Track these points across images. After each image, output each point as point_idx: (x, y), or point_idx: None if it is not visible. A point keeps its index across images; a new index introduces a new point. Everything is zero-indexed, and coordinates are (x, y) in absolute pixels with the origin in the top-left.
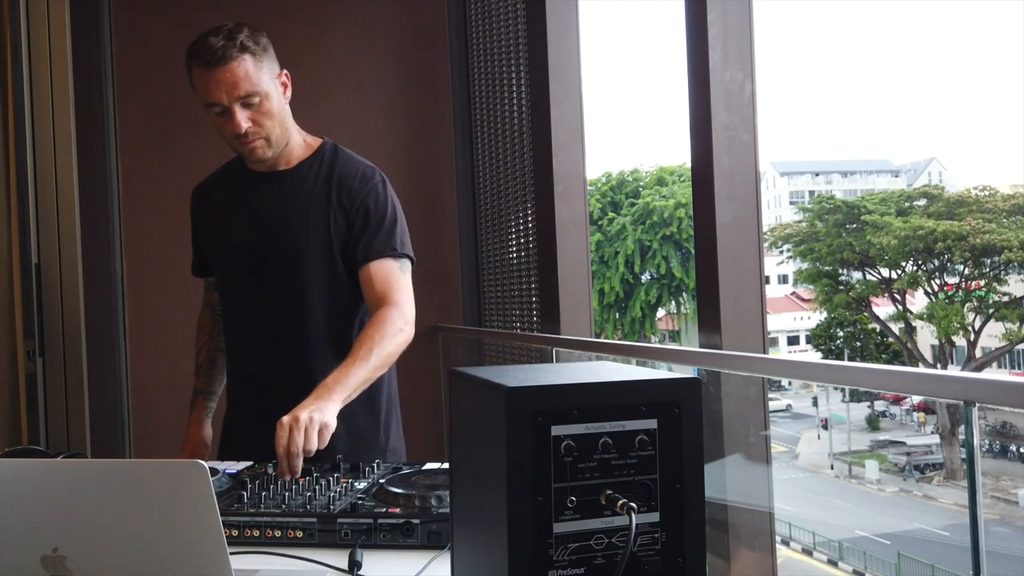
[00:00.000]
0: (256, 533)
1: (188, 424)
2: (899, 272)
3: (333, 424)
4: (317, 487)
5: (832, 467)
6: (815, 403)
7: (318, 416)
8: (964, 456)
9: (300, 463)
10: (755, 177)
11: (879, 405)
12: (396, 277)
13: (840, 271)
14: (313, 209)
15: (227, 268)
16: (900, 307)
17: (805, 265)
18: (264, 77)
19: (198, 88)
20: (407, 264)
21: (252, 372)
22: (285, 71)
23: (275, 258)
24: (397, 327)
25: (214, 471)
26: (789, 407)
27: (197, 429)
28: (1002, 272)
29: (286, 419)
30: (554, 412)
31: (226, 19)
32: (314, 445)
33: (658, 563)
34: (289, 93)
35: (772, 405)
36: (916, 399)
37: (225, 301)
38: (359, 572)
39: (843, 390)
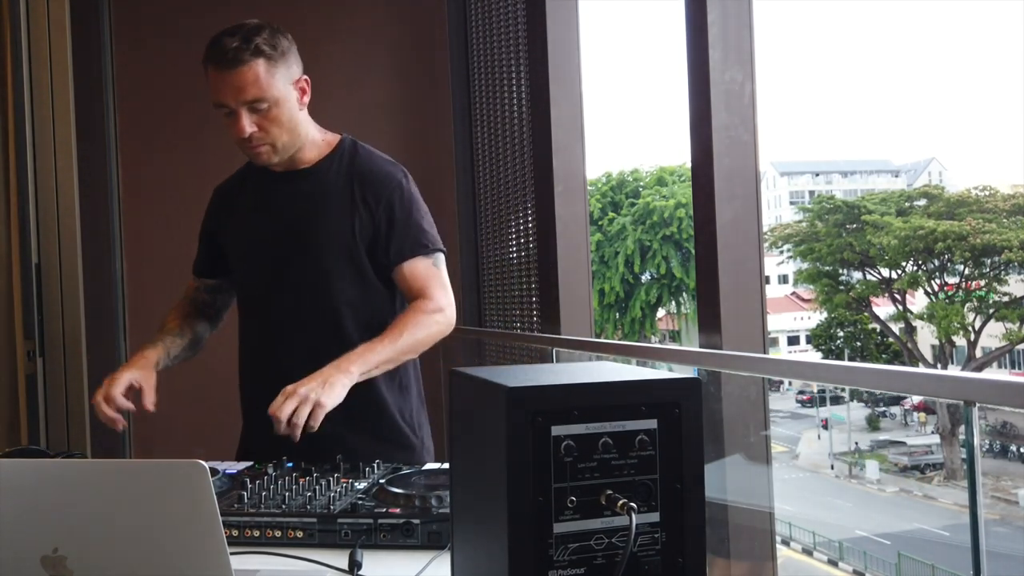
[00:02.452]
0: (256, 533)
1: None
2: (899, 272)
3: (331, 404)
4: (317, 487)
5: (832, 467)
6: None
7: (315, 395)
8: (964, 456)
9: (295, 432)
10: (755, 177)
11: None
12: (432, 273)
13: (840, 271)
14: (335, 207)
15: (249, 268)
16: (900, 307)
17: (805, 265)
18: (276, 83)
19: (210, 87)
20: (440, 257)
21: (276, 376)
22: (305, 76)
23: (298, 257)
24: (433, 318)
25: (214, 471)
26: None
27: (140, 357)
28: (1002, 272)
29: (290, 388)
30: (554, 412)
31: (226, 19)
32: (301, 422)
33: (658, 563)
34: (307, 98)
35: (790, 404)
36: (916, 399)
37: (244, 302)
38: (359, 572)
39: (844, 390)
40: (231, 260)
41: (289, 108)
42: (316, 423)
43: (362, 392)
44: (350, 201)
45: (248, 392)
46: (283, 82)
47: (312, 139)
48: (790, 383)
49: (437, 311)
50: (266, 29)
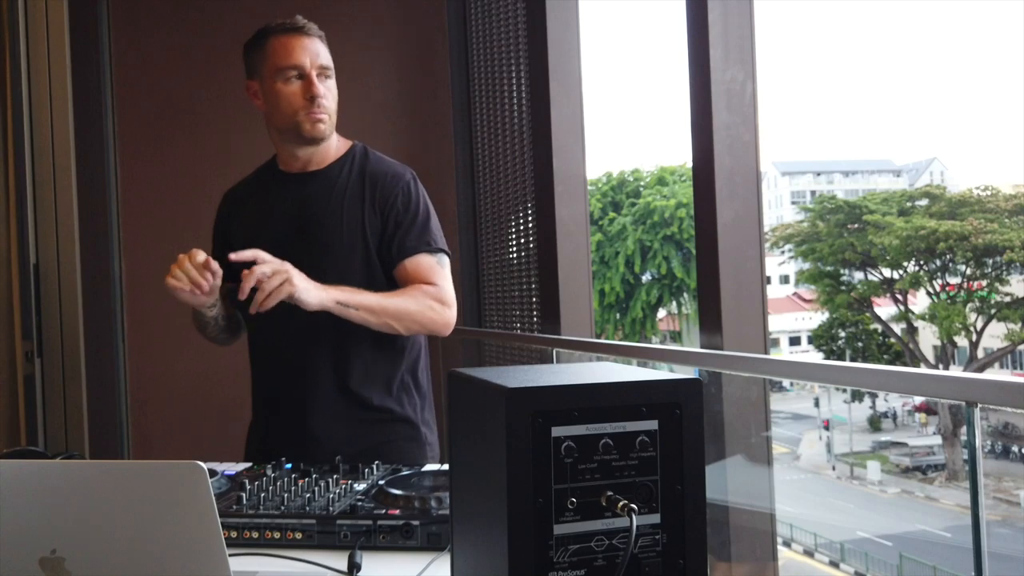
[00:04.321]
0: (255, 535)
1: None
2: (901, 272)
3: (300, 288)
4: (316, 488)
5: (834, 468)
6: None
7: (292, 273)
8: (966, 457)
9: (258, 298)
10: (756, 177)
11: (880, 406)
12: (435, 270)
13: (842, 271)
14: (348, 208)
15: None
16: (902, 307)
17: (807, 265)
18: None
19: (275, 54)
20: (444, 259)
21: (289, 373)
22: None
23: (310, 258)
24: (430, 302)
25: (213, 472)
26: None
27: None
28: (1004, 272)
29: (268, 257)
30: (554, 413)
31: (225, 20)
32: (269, 289)
33: (659, 565)
34: None
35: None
36: (918, 400)
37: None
38: (358, 574)
39: (845, 390)
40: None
41: (336, 92)
42: (278, 297)
43: (368, 389)
44: (360, 202)
45: (261, 392)
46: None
47: (330, 140)
48: (789, 384)
49: (437, 299)
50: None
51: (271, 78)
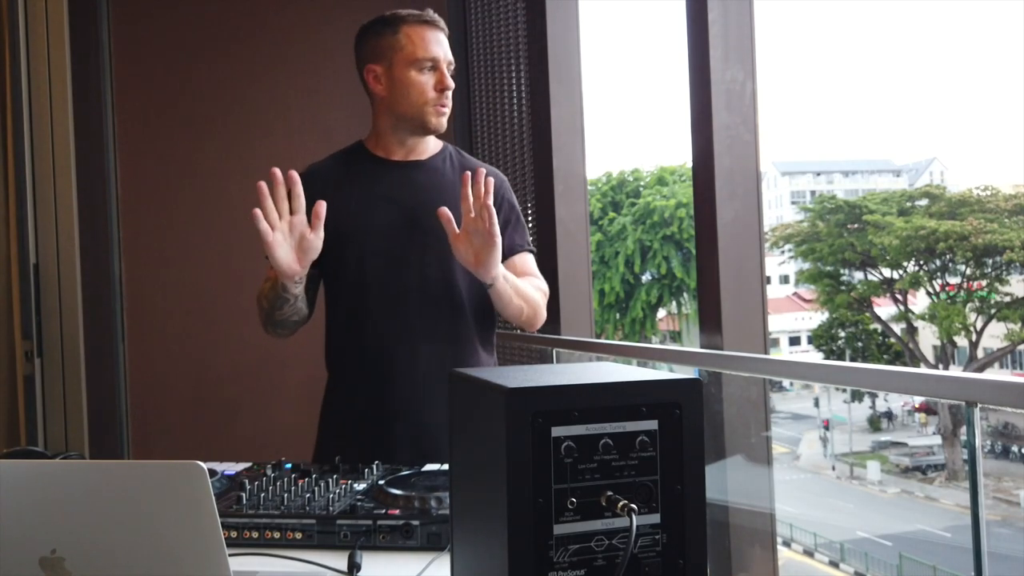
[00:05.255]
0: (255, 535)
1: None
2: (901, 272)
3: (498, 245)
4: (316, 488)
5: (834, 468)
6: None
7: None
8: (966, 457)
9: (483, 213)
10: (756, 176)
11: (880, 405)
12: (536, 269)
13: (842, 271)
14: (452, 199)
15: (361, 253)
16: (902, 307)
17: (806, 265)
18: None
19: (411, 43)
20: (534, 258)
21: (393, 366)
22: None
23: (421, 246)
24: (543, 299)
25: (213, 472)
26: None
27: None
28: (1004, 272)
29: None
30: (554, 413)
31: (225, 20)
32: (490, 217)
33: (659, 565)
34: None
35: (795, 408)
36: (918, 400)
37: (352, 290)
38: (358, 574)
39: (844, 390)
40: (336, 243)
41: None
42: (495, 229)
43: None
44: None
45: (345, 377)
46: None
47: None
48: (791, 384)
49: (545, 295)
50: None
51: (403, 66)
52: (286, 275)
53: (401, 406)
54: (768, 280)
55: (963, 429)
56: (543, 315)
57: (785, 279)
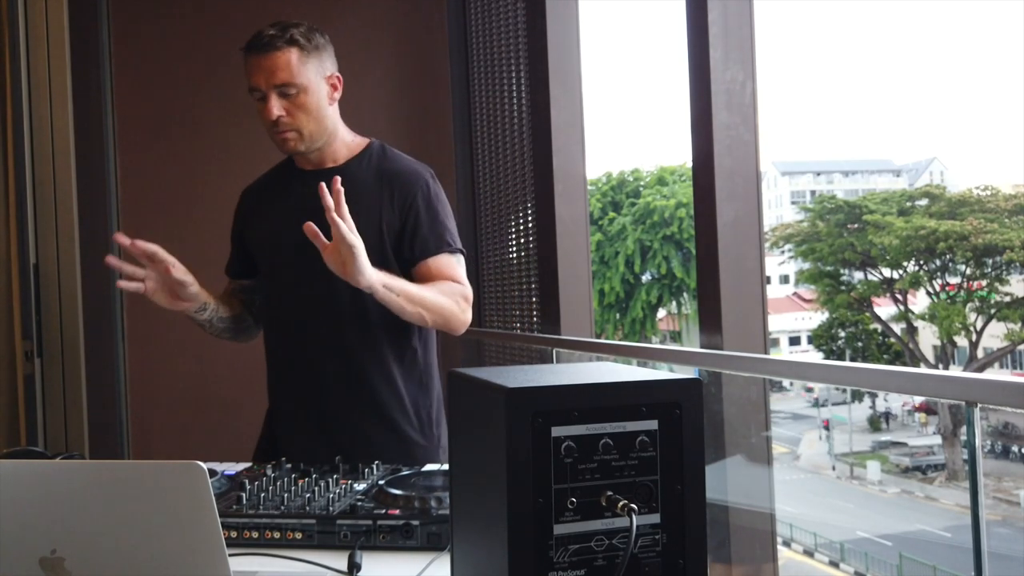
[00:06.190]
0: (255, 535)
1: None
2: (901, 272)
3: (359, 249)
4: (316, 488)
5: (834, 468)
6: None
7: (357, 240)
8: (966, 457)
9: (331, 217)
10: (756, 176)
11: (880, 405)
12: (457, 270)
13: (842, 271)
14: (364, 205)
15: (276, 266)
16: (902, 307)
17: (806, 265)
18: (307, 72)
19: (247, 72)
20: (462, 259)
21: (304, 368)
22: (338, 74)
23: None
24: (457, 299)
25: (213, 472)
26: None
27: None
28: (1004, 272)
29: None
30: (554, 413)
31: (225, 21)
32: (340, 221)
33: (659, 565)
34: (338, 95)
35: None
36: (918, 400)
37: (271, 301)
38: (358, 574)
39: (844, 390)
40: (259, 258)
41: (318, 99)
42: (350, 246)
43: (383, 385)
44: (378, 199)
45: (278, 387)
46: (314, 73)
47: (342, 138)
48: (791, 384)
49: (464, 298)
50: (304, 25)
51: (249, 92)
52: (180, 311)
53: (312, 417)
54: (768, 280)
55: (963, 429)
56: (460, 320)
57: (785, 279)
